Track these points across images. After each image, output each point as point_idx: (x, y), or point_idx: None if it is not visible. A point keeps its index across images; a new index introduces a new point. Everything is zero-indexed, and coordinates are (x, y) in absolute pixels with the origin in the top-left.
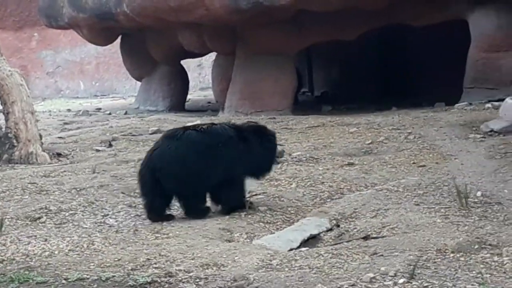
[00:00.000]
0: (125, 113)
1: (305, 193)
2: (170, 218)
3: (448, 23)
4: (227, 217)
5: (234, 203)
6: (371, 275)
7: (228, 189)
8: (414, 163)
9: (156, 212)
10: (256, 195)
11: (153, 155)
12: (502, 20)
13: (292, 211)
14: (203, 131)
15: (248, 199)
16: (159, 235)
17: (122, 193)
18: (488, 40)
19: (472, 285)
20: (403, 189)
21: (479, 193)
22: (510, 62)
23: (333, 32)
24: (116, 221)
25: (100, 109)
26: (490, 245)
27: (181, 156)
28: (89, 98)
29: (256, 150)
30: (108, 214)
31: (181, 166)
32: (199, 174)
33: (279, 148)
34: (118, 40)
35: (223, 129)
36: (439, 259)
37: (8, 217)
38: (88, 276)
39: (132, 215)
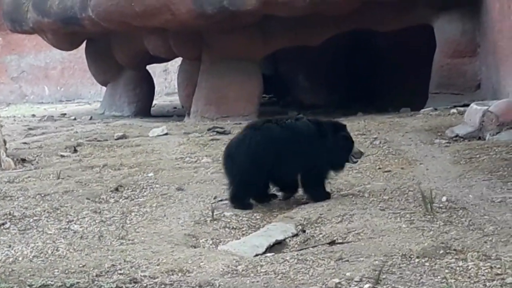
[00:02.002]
0: (90, 119)
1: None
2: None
3: (414, 28)
4: (192, 222)
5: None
6: (337, 280)
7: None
8: (379, 168)
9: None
10: (221, 200)
11: (231, 143)
12: (467, 25)
13: (258, 217)
14: (283, 125)
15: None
16: (124, 241)
17: (87, 199)
18: (453, 45)
19: None
20: (369, 194)
21: (444, 198)
22: (475, 67)
23: (299, 37)
24: (81, 227)
25: (65, 114)
26: (455, 250)
27: (251, 147)
28: (54, 103)
29: (332, 146)
30: (72, 220)
31: (247, 156)
32: (263, 167)
33: (358, 149)
34: (83, 45)
35: (304, 124)
36: (404, 264)
37: None
38: (52, 283)
39: (97, 221)
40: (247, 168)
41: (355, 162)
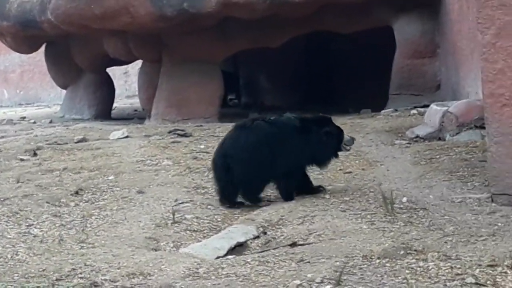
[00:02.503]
0: (50, 122)
1: None
2: (240, 204)
3: (375, 30)
4: (153, 225)
5: (290, 191)
6: (298, 282)
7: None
8: (340, 169)
9: (228, 197)
10: (182, 203)
11: (225, 143)
12: (426, 26)
13: (219, 219)
14: (270, 122)
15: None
16: (84, 245)
17: (47, 202)
18: (412, 46)
19: None
20: (330, 195)
21: (404, 199)
22: (434, 68)
23: (258, 39)
24: (41, 231)
25: (24, 117)
26: (415, 250)
27: (250, 145)
28: (13, 106)
29: (317, 140)
30: (32, 224)
31: (248, 154)
32: (265, 163)
33: (347, 136)
34: (43, 48)
35: (288, 119)
36: (365, 265)
37: None
38: (12, 287)
39: (57, 224)
40: (253, 164)
41: (348, 150)
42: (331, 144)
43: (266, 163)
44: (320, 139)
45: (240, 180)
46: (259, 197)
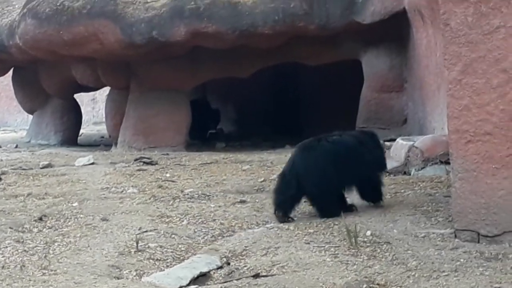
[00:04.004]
0: (16, 147)
1: (196, 230)
2: (292, 220)
3: (343, 62)
4: (117, 253)
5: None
6: None
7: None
8: (305, 201)
9: (284, 212)
10: (146, 231)
11: (295, 163)
12: (395, 60)
13: (183, 248)
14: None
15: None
16: (46, 271)
17: (10, 228)
18: (380, 80)
19: None
20: (294, 227)
21: (368, 233)
22: (401, 102)
23: (227, 69)
24: (3, 256)
25: None
26: (378, 284)
27: (320, 164)
28: None
29: (374, 150)
30: None
31: (320, 172)
32: (335, 179)
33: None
34: (10, 72)
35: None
36: None
37: None
38: None
39: (19, 250)
40: (325, 181)
41: None
42: (383, 150)
43: (337, 177)
44: (378, 148)
45: (314, 197)
46: (336, 211)
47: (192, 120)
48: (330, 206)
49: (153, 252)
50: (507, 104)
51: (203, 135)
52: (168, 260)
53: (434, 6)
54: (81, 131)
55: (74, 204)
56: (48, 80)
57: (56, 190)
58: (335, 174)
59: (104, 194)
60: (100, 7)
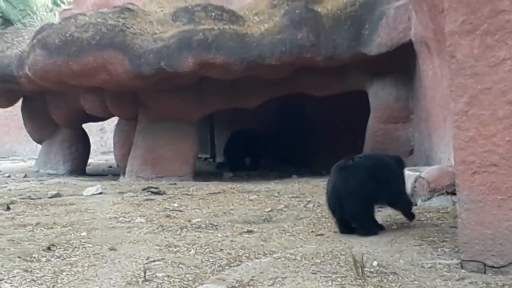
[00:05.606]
0: (25, 176)
1: (203, 260)
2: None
3: (349, 93)
4: (124, 283)
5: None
6: None
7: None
8: (312, 231)
9: (347, 226)
10: (154, 261)
11: (336, 185)
12: (401, 92)
13: (190, 278)
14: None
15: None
16: None
17: (19, 257)
18: (386, 111)
19: None
20: (301, 257)
21: (375, 263)
22: (408, 133)
23: (234, 100)
24: (12, 286)
25: None
26: None
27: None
28: None
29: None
30: (3, 279)
31: (358, 192)
32: (370, 196)
33: None
34: (19, 102)
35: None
36: None
37: None
38: None
39: (28, 280)
40: (364, 201)
41: None
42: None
43: (373, 195)
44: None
45: (352, 215)
46: (375, 230)
47: (245, 150)
48: (371, 224)
49: (161, 281)
50: None
51: (256, 164)
52: None
53: (440, 38)
54: (90, 160)
55: (82, 234)
56: (57, 110)
57: (65, 219)
58: (374, 190)
59: (112, 223)
60: (109, 38)
